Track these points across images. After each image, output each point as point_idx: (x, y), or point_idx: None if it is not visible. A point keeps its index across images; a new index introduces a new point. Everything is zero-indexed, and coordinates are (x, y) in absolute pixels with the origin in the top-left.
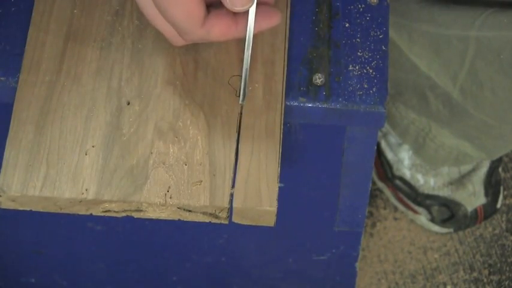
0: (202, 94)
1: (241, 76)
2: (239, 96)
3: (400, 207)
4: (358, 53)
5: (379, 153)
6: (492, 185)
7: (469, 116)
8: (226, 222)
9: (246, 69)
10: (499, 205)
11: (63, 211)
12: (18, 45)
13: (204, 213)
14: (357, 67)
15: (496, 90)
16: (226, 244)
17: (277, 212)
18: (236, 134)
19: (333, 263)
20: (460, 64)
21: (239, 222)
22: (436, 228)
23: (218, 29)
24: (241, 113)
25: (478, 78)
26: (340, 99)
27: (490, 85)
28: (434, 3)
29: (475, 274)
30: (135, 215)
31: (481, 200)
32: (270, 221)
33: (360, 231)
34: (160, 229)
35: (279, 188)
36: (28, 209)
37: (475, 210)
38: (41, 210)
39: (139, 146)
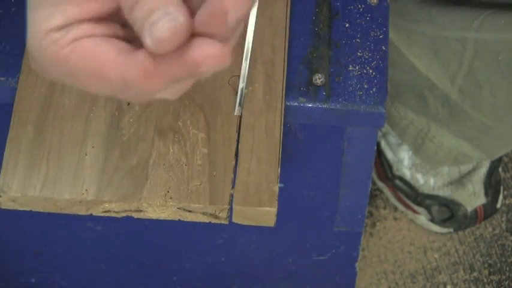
0: (202, 94)
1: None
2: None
3: (400, 207)
4: (358, 53)
5: (379, 153)
6: (492, 185)
7: (468, 116)
8: (226, 222)
9: (244, 77)
10: (499, 205)
11: (63, 211)
12: (18, 45)
13: (204, 213)
14: (357, 67)
15: (494, 92)
16: (226, 244)
17: (277, 212)
18: (236, 134)
19: (333, 263)
20: (459, 65)
21: (239, 222)
22: (436, 228)
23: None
24: (241, 113)
25: (477, 80)
26: (340, 99)
27: (488, 86)
28: (433, 4)
29: (475, 274)
30: (135, 215)
31: (481, 200)
32: (270, 221)
33: (360, 231)
34: (160, 229)
35: (279, 188)
36: (28, 209)
37: (475, 210)
38: (41, 211)
39: (139, 147)
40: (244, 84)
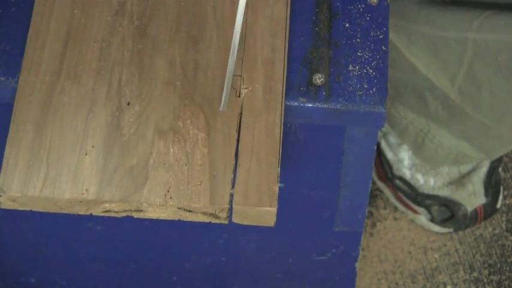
0: (202, 94)
1: (240, 76)
2: (238, 96)
3: (400, 207)
4: (358, 53)
5: (379, 153)
6: (492, 185)
7: (468, 117)
8: (226, 222)
9: (229, 77)
10: (499, 205)
11: (63, 211)
12: (18, 45)
13: (204, 213)
14: (357, 67)
15: (494, 92)
16: (226, 244)
17: (277, 212)
18: (236, 134)
19: (333, 263)
20: (458, 66)
21: (239, 222)
22: (436, 228)
23: None
24: (241, 113)
25: (476, 80)
26: (340, 99)
27: (488, 87)
28: (432, 4)
29: (475, 274)
30: (135, 215)
31: (481, 200)
32: (270, 221)
33: (360, 231)
34: (160, 229)
35: (279, 188)
36: (28, 209)
37: (475, 210)
38: (41, 211)
39: (139, 146)
40: (230, 80)
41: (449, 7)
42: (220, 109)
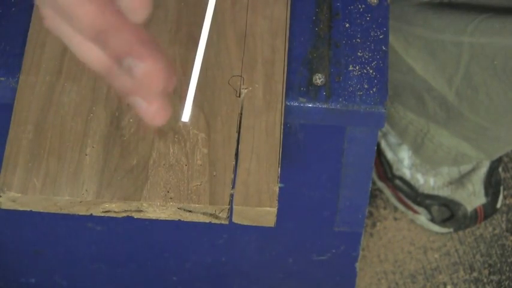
0: (202, 94)
1: (240, 76)
2: (238, 96)
3: (400, 207)
4: (359, 53)
5: (379, 153)
6: (492, 185)
7: (465, 118)
8: (227, 222)
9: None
10: (499, 205)
11: (63, 211)
12: (18, 45)
13: (204, 213)
14: (357, 67)
15: (490, 95)
16: (226, 244)
17: (277, 212)
18: (236, 134)
19: (333, 263)
20: (455, 68)
21: (239, 222)
22: (436, 228)
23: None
24: (241, 113)
25: (473, 83)
26: (340, 99)
27: (484, 89)
28: (429, 7)
29: (475, 274)
30: (135, 215)
31: (481, 200)
32: (270, 221)
33: (360, 231)
34: (160, 229)
35: (279, 188)
36: (28, 209)
37: (475, 210)
38: (41, 211)
39: (139, 147)
40: (193, 91)
41: (445, 10)
42: (181, 120)
